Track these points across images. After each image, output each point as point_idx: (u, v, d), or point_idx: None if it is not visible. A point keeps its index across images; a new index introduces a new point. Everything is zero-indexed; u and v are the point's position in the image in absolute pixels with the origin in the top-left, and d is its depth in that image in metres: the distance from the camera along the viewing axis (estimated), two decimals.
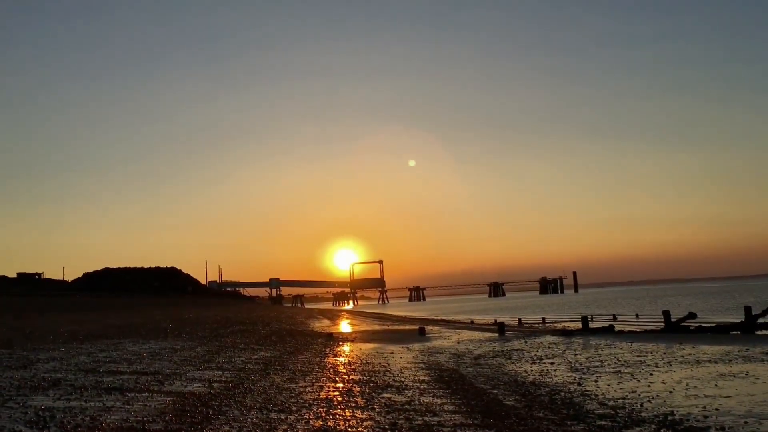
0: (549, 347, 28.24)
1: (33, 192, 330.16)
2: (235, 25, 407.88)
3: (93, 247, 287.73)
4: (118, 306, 65.27)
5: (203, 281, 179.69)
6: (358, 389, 14.75)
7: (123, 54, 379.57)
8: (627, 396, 14.69)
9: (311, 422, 10.46)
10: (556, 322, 53.82)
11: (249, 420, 10.29)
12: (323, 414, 11.28)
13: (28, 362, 15.93)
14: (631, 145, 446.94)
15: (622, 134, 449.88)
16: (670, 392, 15.07)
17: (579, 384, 16.85)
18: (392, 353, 25.52)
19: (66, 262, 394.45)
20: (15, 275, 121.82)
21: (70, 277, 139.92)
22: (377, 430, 10.20)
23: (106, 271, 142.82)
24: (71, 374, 14.28)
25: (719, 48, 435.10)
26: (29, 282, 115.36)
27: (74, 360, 17.01)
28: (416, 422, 11.00)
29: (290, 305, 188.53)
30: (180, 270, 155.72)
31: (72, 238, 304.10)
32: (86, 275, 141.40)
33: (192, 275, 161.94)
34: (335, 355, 23.91)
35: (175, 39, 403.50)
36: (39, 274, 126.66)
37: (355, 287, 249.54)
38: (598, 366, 20.67)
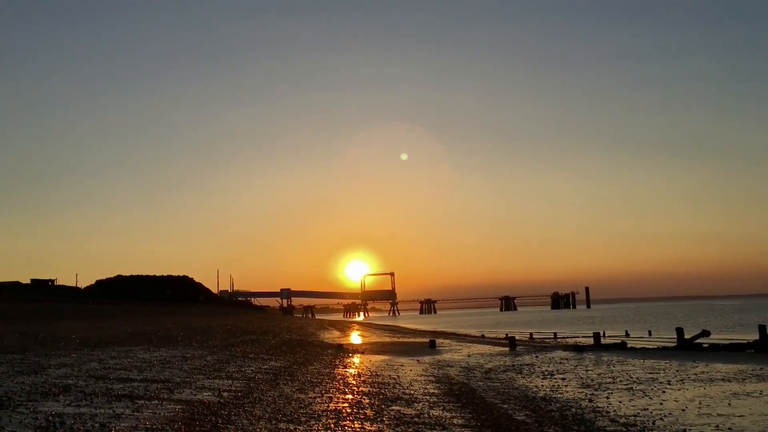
0: (560, 362, 28.05)
1: (47, 199, 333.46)
2: (244, 34, 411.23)
3: (106, 255, 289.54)
4: (129, 313, 65.53)
5: (215, 290, 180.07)
6: (367, 401, 14.70)
7: (136, 64, 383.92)
8: (639, 413, 14.55)
9: None
10: (567, 337, 53.48)
11: (257, 430, 10.28)
12: (332, 425, 11.24)
13: (39, 368, 16.00)
14: (646, 160, 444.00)
15: (636, 149, 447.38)
16: (683, 410, 14.92)
17: (590, 400, 16.72)
18: (402, 366, 25.42)
19: (79, 269, 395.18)
20: (29, 281, 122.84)
21: (82, 284, 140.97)
22: None
23: (119, 279, 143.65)
24: (82, 380, 14.33)
25: (732, 63, 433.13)
26: (43, 288, 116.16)
27: (85, 366, 17.07)
28: None
29: (301, 316, 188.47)
30: (192, 279, 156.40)
31: (85, 246, 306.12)
32: (99, 282, 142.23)
33: (204, 284, 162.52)
34: (345, 367, 23.85)
35: (186, 50, 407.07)
36: (52, 281, 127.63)
37: (365, 299, 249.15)
38: (609, 382, 20.50)
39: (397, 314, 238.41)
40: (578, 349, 35.43)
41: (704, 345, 33.69)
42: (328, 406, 13.41)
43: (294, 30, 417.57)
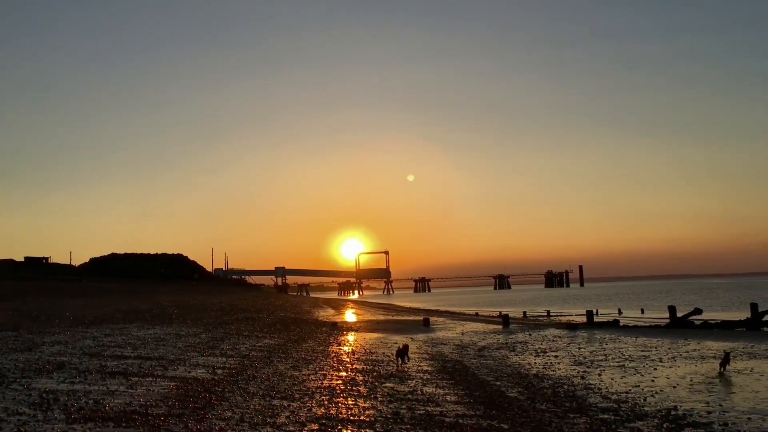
0: (553, 340, 28.25)
1: (41, 178, 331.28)
2: (241, 12, 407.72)
3: (100, 233, 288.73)
4: (123, 291, 65.52)
5: (209, 268, 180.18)
6: (361, 378, 14.77)
7: (130, 42, 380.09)
8: (630, 390, 14.67)
9: (314, 410, 10.47)
10: (561, 315, 53.81)
11: (251, 406, 10.31)
12: (326, 402, 11.29)
13: (33, 345, 16.01)
14: (640, 140, 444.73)
15: (631, 128, 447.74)
16: (674, 387, 15.05)
17: (582, 377, 16.85)
18: (396, 343, 25.51)
19: (73, 247, 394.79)
20: (22, 259, 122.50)
21: (76, 262, 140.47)
22: (379, 419, 10.19)
23: (113, 257, 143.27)
24: (76, 358, 14.35)
25: (731, 43, 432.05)
26: (36, 266, 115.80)
27: (79, 344, 17.09)
28: (418, 412, 11.00)
29: (295, 294, 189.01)
30: (186, 257, 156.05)
31: (79, 224, 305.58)
32: (93, 260, 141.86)
33: (198, 262, 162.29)
34: (339, 344, 23.95)
35: (185, 28, 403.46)
36: (46, 259, 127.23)
37: (360, 277, 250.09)
38: (602, 360, 20.66)
39: (391, 292, 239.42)
40: (571, 327, 35.65)
41: (696, 323, 33.94)
42: (322, 383, 13.47)
43: (293, 8, 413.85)
